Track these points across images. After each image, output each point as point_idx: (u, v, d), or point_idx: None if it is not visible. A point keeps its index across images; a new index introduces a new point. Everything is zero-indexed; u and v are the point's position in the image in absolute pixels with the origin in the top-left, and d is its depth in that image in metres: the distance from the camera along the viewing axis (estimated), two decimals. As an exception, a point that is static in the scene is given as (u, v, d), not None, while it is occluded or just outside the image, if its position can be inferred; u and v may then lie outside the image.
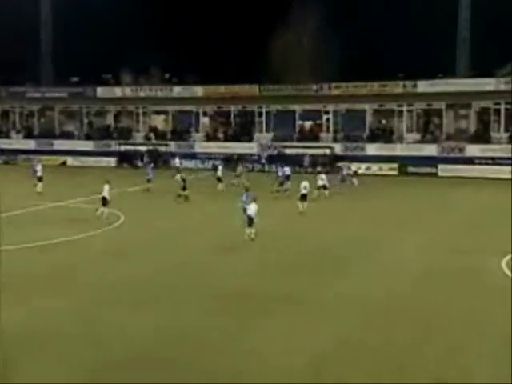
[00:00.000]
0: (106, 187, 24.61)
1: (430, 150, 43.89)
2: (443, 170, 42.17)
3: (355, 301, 14.46)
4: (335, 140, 47.28)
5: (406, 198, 32.40)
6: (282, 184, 31.68)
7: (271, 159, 46.60)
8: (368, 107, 47.31)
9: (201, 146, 49.34)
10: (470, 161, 41.95)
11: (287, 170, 33.48)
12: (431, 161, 42.52)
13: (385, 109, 47.33)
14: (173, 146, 49.70)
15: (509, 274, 16.54)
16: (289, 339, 12.10)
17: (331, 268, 17.55)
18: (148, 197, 32.04)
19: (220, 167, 34.74)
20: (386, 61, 53.88)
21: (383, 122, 48.68)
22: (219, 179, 33.30)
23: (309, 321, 13.17)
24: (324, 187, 29.76)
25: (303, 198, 25.87)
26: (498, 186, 36.29)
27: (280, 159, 46.75)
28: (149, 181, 33.67)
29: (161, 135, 51.16)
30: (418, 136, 46.12)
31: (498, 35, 50.66)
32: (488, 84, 43.28)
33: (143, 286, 15.83)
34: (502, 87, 42.75)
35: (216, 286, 15.77)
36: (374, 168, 43.21)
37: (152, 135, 50.96)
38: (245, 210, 21.34)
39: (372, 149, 45.38)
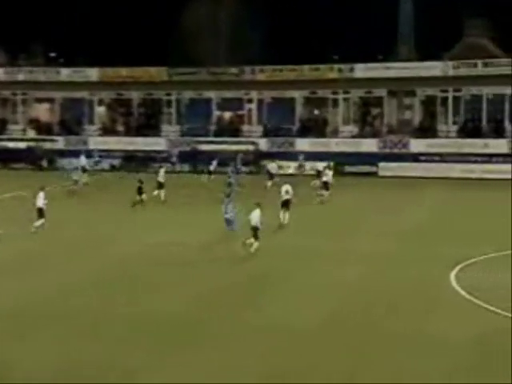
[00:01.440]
0: None
1: (370, 145, 43.47)
2: (384, 168, 41.71)
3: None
4: (260, 134, 46.41)
5: (342, 202, 31.62)
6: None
7: (183, 157, 45.07)
8: (298, 95, 46.62)
9: (96, 142, 47.09)
10: (415, 158, 41.76)
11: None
12: (371, 158, 42.10)
13: (317, 97, 46.75)
14: (61, 142, 47.16)
15: (458, 288, 16.68)
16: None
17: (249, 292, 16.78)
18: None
19: (162, 170, 32.19)
20: (318, 41, 53.57)
21: (315, 112, 48.17)
22: (160, 185, 31.21)
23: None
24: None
25: (285, 205, 24.19)
26: (446, 186, 36.22)
27: (193, 157, 45.26)
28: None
29: (45, 128, 48.66)
30: (355, 129, 45.81)
31: (445, 13, 51.21)
32: (434, 68, 43.41)
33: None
34: (451, 72, 42.97)
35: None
36: (307, 167, 42.34)
37: (30, 128, 48.42)
38: (227, 221, 21.90)
39: (303, 144, 44.69)
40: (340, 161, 42.82)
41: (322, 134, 45.67)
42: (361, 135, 44.90)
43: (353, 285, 17.22)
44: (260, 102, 47.18)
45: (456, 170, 39.87)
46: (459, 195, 33.49)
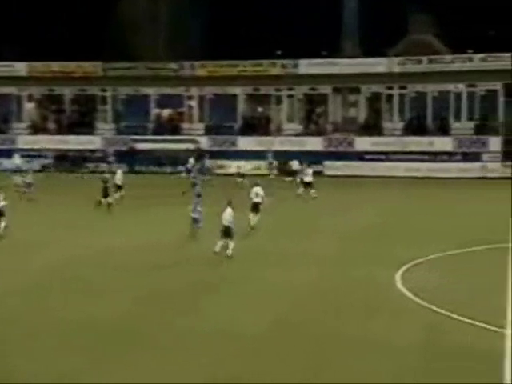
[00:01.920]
0: None
1: (315, 143, 43.58)
2: (329, 167, 41.82)
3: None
4: (201, 132, 45.91)
5: (290, 203, 31.48)
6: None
7: (120, 156, 44.19)
8: (240, 92, 46.44)
9: (25, 141, 45.85)
10: (360, 156, 42.00)
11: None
12: (315, 157, 42.01)
13: (260, 93, 46.63)
14: (-14, 141, 45.97)
15: (403, 289, 16.57)
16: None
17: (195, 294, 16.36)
18: None
19: (120, 171, 31.16)
20: (261, 36, 53.31)
21: (259, 109, 48.13)
22: (119, 187, 29.98)
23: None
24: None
25: (255, 208, 23.48)
26: (392, 185, 36.50)
27: (131, 156, 44.47)
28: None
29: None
30: (299, 127, 45.81)
31: (390, 8, 51.80)
32: (379, 65, 43.85)
33: None
34: (396, 69, 43.46)
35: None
36: (249, 166, 42.11)
37: None
38: (195, 220, 21.83)
39: (245, 143, 44.49)
40: (285, 159, 42.83)
41: (265, 132, 45.51)
42: (305, 133, 44.92)
43: (301, 288, 16.91)
44: (201, 98, 46.76)
45: (401, 168, 40.24)
46: (405, 194, 33.77)
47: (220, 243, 19.39)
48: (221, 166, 42.87)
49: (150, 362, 12.08)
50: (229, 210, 19.59)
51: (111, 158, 44.55)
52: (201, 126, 46.49)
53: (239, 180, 35.56)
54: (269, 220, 26.79)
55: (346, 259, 19.82)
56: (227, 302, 15.76)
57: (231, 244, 19.31)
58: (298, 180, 32.58)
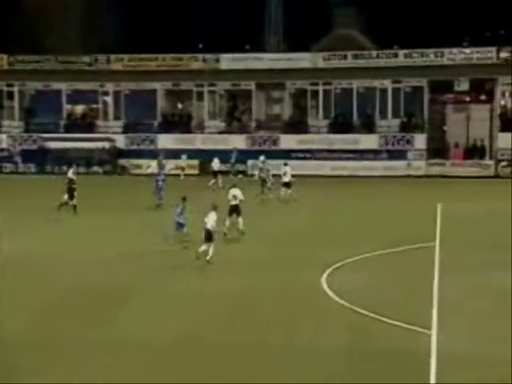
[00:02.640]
0: None
1: (238, 141, 43.66)
2: (254, 166, 41.83)
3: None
4: (117, 130, 45.27)
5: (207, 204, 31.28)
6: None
7: (28, 156, 43.06)
8: (159, 87, 46.00)
9: None
10: (285, 155, 42.19)
11: None
12: (239, 155, 42.08)
13: (180, 89, 46.33)
14: None
15: (329, 292, 16.88)
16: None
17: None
18: None
19: (71, 171, 29.46)
20: (181, 28, 53.17)
21: (179, 106, 47.82)
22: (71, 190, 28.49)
23: None
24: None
25: (234, 211, 22.96)
26: (318, 185, 36.94)
27: (41, 156, 43.40)
28: None
29: None
30: (222, 124, 45.79)
31: (314, 2, 52.57)
32: (304, 60, 44.29)
33: None
34: (321, 64, 44.02)
35: None
36: (170, 166, 41.74)
37: None
38: (180, 225, 21.67)
39: (165, 141, 44.09)
40: (206, 158, 42.69)
41: (186, 129, 45.25)
42: (228, 131, 44.92)
43: (221, 294, 16.92)
44: (116, 94, 46.06)
45: (327, 167, 40.79)
46: (332, 194, 34.27)
47: (203, 247, 19.42)
48: (138, 166, 42.36)
49: (60, 374, 11.82)
50: (213, 214, 19.72)
51: (17, 158, 43.36)
52: (117, 123, 45.76)
53: (212, 181, 35.00)
54: (194, 224, 26.65)
55: (271, 263, 19.94)
56: (142, 311, 15.58)
57: (211, 249, 19.38)
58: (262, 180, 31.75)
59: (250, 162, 42.26)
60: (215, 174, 36.14)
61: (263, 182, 31.45)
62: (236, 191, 23.35)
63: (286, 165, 31.81)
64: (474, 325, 14.44)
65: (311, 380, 11.74)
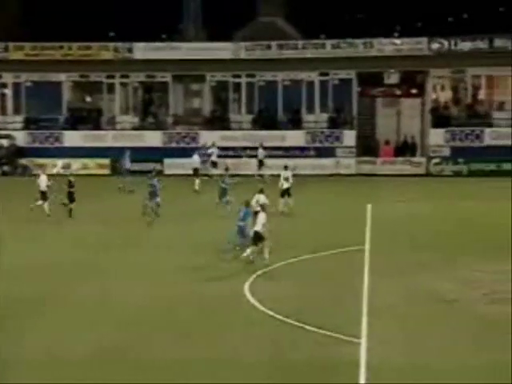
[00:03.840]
0: None
1: (153, 138, 43.33)
2: (170, 165, 41.71)
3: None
4: (18, 126, 44.23)
5: (124, 209, 30.98)
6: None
7: None
8: (65, 78, 45.21)
9: None
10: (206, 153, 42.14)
11: None
12: (154, 154, 41.81)
13: (89, 81, 45.65)
14: None
15: (252, 299, 17.10)
16: None
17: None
18: None
19: (43, 176, 28.85)
20: (90, 15, 52.47)
21: (88, 99, 47.12)
22: (43, 194, 28.09)
23: None
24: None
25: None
26: (242, 185, 36.89)
27: None
28: None
29: None
30: (135, 119, 45.37)
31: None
32: (225, 50, 44.28)
33: None
34: (243, 55, 44.11)
35: None
36: (76, 165, 41.08)
37: None
38: (240, 229, 21.23)
39: (72, 138, 43.36)
40: (117, 157, 42.19)
41: (95, 125, 44.60)
42: (142, 127, 44.51)
43: (141, 304, 16.87)
44: (16, 86, 45.00)
45: (251, 165, 40.82)
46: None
47: (252, 249, 19.97)
48: (42, 166, 41.45)
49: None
50: (262, 216, 20.31)
51: None
52: (17, 118, 44.68)
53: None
54: (101, 229, 26.34)
55: (193, 272, 19.91)
56: (53, 324, 15.38)
57: (249, 249, 20.08)
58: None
59: (166, 162, 41.97)
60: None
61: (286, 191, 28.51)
62: (262, 198, 22.70)
63: (286, 168, 29.37)
64: (406, 331, 14.77)
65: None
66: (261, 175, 37.65)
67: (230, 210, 26.00)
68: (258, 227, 20.23)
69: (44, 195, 28.20)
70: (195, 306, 16.81)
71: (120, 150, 41.99)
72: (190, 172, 38.30)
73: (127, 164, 37.28)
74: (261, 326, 15.23)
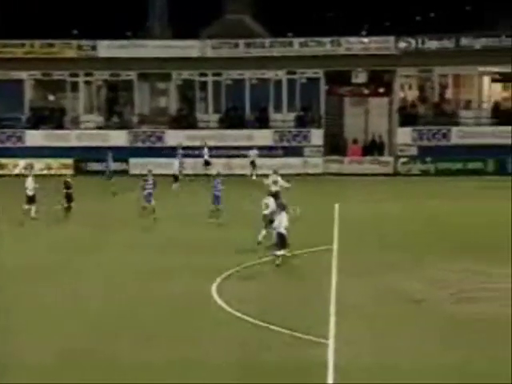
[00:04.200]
0: None
1: (118, 138, 43.04)
2: (136, 165, 41.43)
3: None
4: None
5: (89, 209, 30.72)
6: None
7: None
8: (27, 77, 44.66)
9: None
10: (171, 152, 42.01)
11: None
12: (119, 153, 41.53)
13: (52, 79, 45.19)
14: None
15: (219, 300, 17.14)
16: None
17: None
18: None
19: (30, 179, 27.99)
20: (53, 11, 51.97)
21: (50, 98, 46.65)
22: (31, 199, 27.42)
23: None
24: None
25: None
26: (208, 185, 36.84)
27: None
28: None
29: None
30: (100, 118, 45.05)
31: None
32: (191, 48, 44.13)
33: None
34: (210, 53, 44.01)
35: None
36: (39, 166, 40.77)
37: None
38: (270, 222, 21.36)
39: (34, 138, 42.90)
40: (82, 157, 41.99)
41: (58, 124, 44.21)
42: (107, 126, 44.23)
43: (104, 306, 16.87)
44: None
45: (218, 165, 40.70)
46: (224, 195, 34.19)
47: (280, 253, 20.24)
48: (3, 166, 41.08)
49: None
50: (284, 216, 20.50)
51: None
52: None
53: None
54: (66, 232, 26.15)
55: (160, 273, 19.86)
56: (16, 327, 15.25)
57: (281, 252, 20.37)
58: None
59: (131, 161, 41.78)
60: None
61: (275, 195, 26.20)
62: (270, 200, 22.80)
63: (275, 173, 28.44)
64: (374, 331, 14.91)
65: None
66: (207, 175, 37.56)
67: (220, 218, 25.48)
68: (281, 229, 20.41)
69: (31, 199, 27.43)
70: (162, 306, 16.81)
71: (83, 150, 41.95)
72: (157, 172, 38.17)
73: (111, 165, 36.96)
74: (228, 327, 15.29)
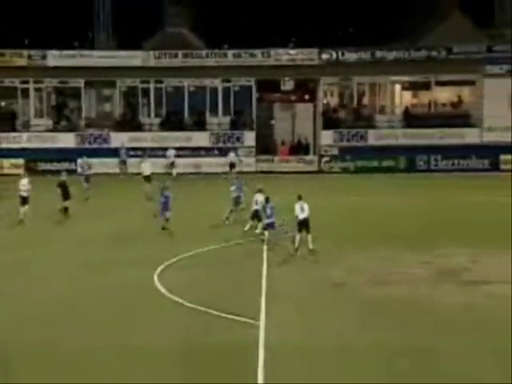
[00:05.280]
0: None
1: (67, 140, 42.16)
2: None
3: None
4: None
5: (40, 207, 29.90)
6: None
7: None
8: (-22, 84, 43.35)
9: None
10: (116, 153, 41.45)
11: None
12: (68, 154, 40.71)
13: (3, 86, 43.86)
14: None
15: (161, 288, 16.86)
16: None
17: None
18: None
19: (24, 180, 26.02)
20: (4, 22, 50.46)
21: (2, 104, 45.39)
22: (24, 200, 25.58)
23: None
24: None
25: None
26: (152, 183, 36.40)
27: None
28: None
29: None
30: (49, 122, 43.97)
31: (143, 1, 52.14)
32: (135, 58, 43.55)
33: None
34: (152, 63, 43.49)
35: None
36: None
37: None
38: (270, 225, 21.08)
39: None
40: (33, 157, 40.96)
41: (10, 128, 43.00)
42: (56, 129, 43.28)
43: (50, 298, 16.35)
44: None
45: (159, 164, 40.27)
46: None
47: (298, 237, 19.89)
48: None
49: None
50: (304, 204, 20.05)
51: None
52: None
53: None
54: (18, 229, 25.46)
55: (103, 264, 19.42)
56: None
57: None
58: None
59: (79, 161, 40.94)
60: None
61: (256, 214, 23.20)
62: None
63: (260, 191, 23.45)
64: (302, 314, 14.93)
65: (144, 380, 11.55)
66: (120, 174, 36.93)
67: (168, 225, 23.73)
68: (304, 215, 20.03)
69: (24, 200, 25.53)
70: (104, 296, 16.43)
71: (33, 151, 40.90)
72: (103, 171, 37.70)
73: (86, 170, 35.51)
74: (170, 314, 15.07)
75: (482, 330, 13.67)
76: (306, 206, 20.42)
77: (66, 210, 26.36)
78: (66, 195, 26.48)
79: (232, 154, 40.85)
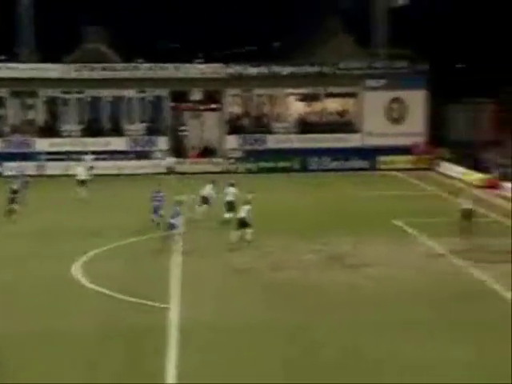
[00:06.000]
0: None
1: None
2: (8, 168, 39.23)
3: None
4: None
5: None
6: None
7: None
8: None
9: None
10: (39, 157, 40.24)
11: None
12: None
13: None
14: None
15: (82, 278, 16.54)
16: None
17: None
18: None
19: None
20: None
21: None
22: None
23: None
24: None
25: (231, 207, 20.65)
26: (73, 184, 35.50)
27: None
28: None
29: None
30: (-23, 129, 42.05)
31: (63, 19, 50.82)
32: (56, 70, 42.41)
33: None
34: (73, 75, 42.41)
35: None
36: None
37: None
38: (172, 226, 19.60)
39: None
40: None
41: None
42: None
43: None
44: None
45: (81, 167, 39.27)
46: (89, 192, 33.04)
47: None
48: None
49: None
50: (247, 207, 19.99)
51: None
52: None
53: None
54: None
55: (24, 258, 18.77)
56: None
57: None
58: None
59: (5, 165, 39.47)
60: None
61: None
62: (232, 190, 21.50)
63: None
64: (213, 297, 14.98)
65: (63, 363, 11.28)
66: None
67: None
68: (243, 214, 19.98)
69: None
70: (26, 286, 15.97)
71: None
72: (30, 172, 36.39)
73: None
74: (90, 301, 14.81)
75: (364, 306, 14.17)
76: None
77: (12, 211, 25.19)
78: (14, 200, 25.52)
79: (169, 159, 40.00)
